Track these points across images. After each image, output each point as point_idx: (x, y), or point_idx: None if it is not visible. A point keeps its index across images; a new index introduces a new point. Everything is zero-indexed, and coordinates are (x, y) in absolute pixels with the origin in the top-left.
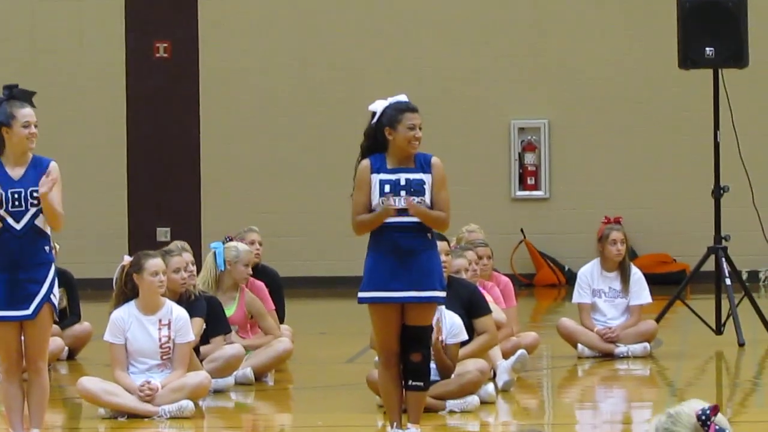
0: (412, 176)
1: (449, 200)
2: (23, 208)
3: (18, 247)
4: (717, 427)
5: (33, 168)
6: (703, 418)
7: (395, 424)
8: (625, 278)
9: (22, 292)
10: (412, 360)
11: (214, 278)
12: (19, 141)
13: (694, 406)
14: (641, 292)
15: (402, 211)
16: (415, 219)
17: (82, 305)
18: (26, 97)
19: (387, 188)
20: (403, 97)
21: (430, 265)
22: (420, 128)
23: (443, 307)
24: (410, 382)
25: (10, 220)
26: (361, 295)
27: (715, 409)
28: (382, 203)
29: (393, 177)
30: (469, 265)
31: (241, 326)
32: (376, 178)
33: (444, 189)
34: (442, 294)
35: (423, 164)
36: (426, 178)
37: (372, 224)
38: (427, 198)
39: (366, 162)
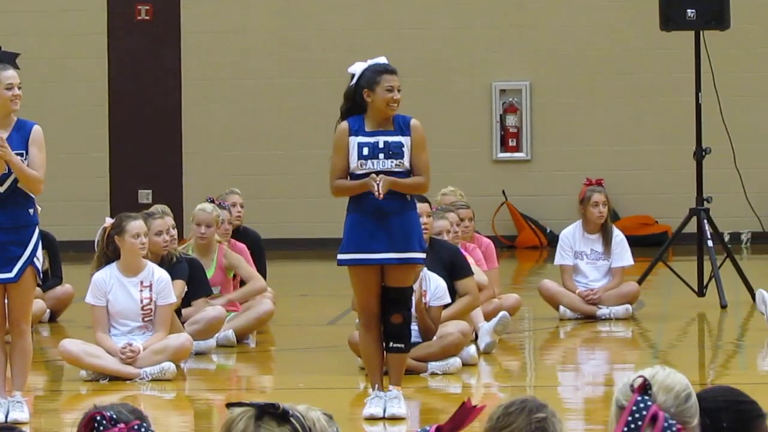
0: (390, 139)
1: (429, 162)
2: (6, 171)
3: (1, 209)
4: (640, 397)
5: (17, 131)
6: (630, 390)
7: (376, 386)
8: (607, 240)
9: (5, 254)
10: (392, 322)
11: (189, 248)
12: (2, 103)
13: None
14: (623, 254)
15: (382, 174)
16: None
17: (64, 267)
18: (9, 58)
19: (365, 151)
20: (382, 60)
21: (409, 227)
22: (398, 90)
23: (426, 269)
24: (391, 344)
25: None
26: (340, 257)
27: (641, 385)
28: (371, 177)
29: (371, 140)
30: (450, 226)
31: (223, 286)
32: (354, 140)
33: (424, 151)
34: (422, 255)
35: (402, 126)
36: (405, 140)
37: (351, 191)
38: (406, 160)
39: (344, 125)
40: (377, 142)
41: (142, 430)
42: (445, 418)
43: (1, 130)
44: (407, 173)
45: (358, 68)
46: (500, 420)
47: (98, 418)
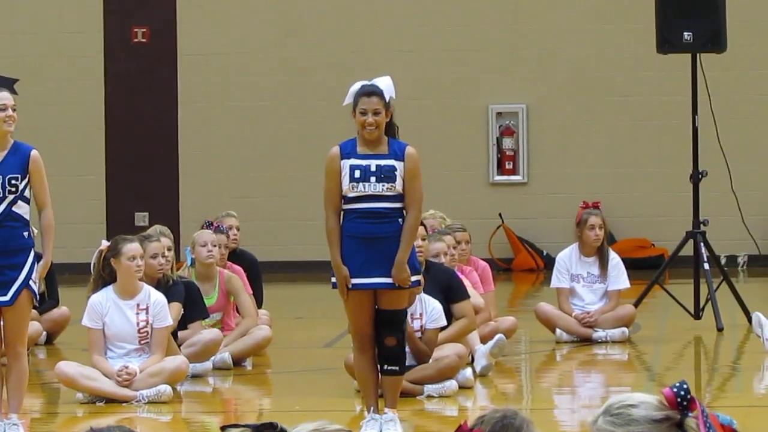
0: (383, 162)
1: (421, 192)
2: (1, 195)
3: None
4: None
5: (13, 154)
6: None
7: (372, 408)
8: (603, 263)
9: (0, 278)
10: (386, 344)
11: (191, 274)
12: None
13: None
14: (619, 277)
15: (374, 198)
16: (387, 204)
17: (60, 290)
18: (6, 84)
19: (357, 173)
20: (381, 80)
21: None
22: (376, 113)
23: (422, 292)
24: (386, 367)
25: None
26: (335, 280)
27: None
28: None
29: (364, 162)
30: (447, 249)
31: (225, 311)
32: (346, 163)
33: (417, 180)
34: (417, 278)
35: (397, 151)
36: (398, 164)
37: (331, 250)
38: (398, 184)
39: (335, 150)
40: (369, 165)
41: None
42: None
43: None
44: (399, 197)
45: (353, 89)
46: None
47: None
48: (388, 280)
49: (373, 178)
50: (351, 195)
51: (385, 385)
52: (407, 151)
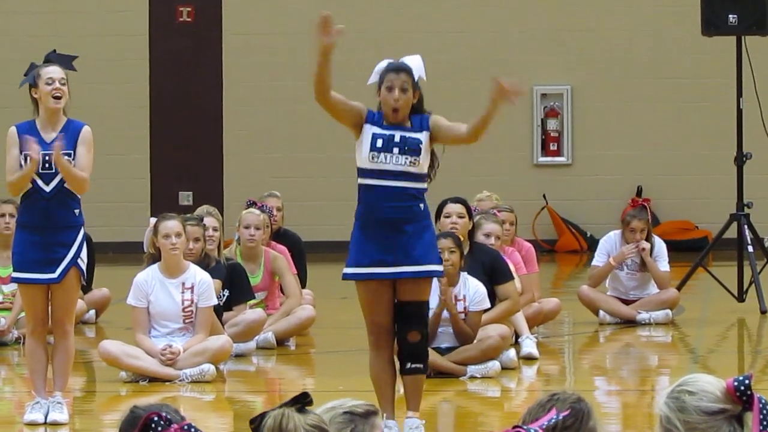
0: (408, 134)
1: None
2: (53, 171)
3: (47, 209)
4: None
5: (66, 132)
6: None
7: (385, 415)
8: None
9: (49, 255)
10: (409, 340)
11: (236, 252)
12: (44, 98)
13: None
14: (660, 261)
15: (395, 175)
16: (409, 184)
17: (104, 269)
18: (63, 60)
19: (379, 143)
20: (410, 58)
21: (424, 237)
22: (403, 90)
23: (466, 273)
24: (408, 365)
25: (40, 182)
26: (347, 271)
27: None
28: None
29: (387, 132)
30: (501, 232)
31: (270, 290)
32: (369, 128)
33: (448, 121)
34: (440, 268)
35: (421, 124)
36: (423, 137)
37: (318, 71)
38: (422, 160)
39: (366, 108)
40: (393, 136)
41: (192, 430)
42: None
43: (51, 131)
44: (422, 177)
45: (379, 66)
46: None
47: (155, 419)
48: (410, 269)
49: (396, 149)
50: (370, 167)
51: (407, 386)
52: (431, 119)
